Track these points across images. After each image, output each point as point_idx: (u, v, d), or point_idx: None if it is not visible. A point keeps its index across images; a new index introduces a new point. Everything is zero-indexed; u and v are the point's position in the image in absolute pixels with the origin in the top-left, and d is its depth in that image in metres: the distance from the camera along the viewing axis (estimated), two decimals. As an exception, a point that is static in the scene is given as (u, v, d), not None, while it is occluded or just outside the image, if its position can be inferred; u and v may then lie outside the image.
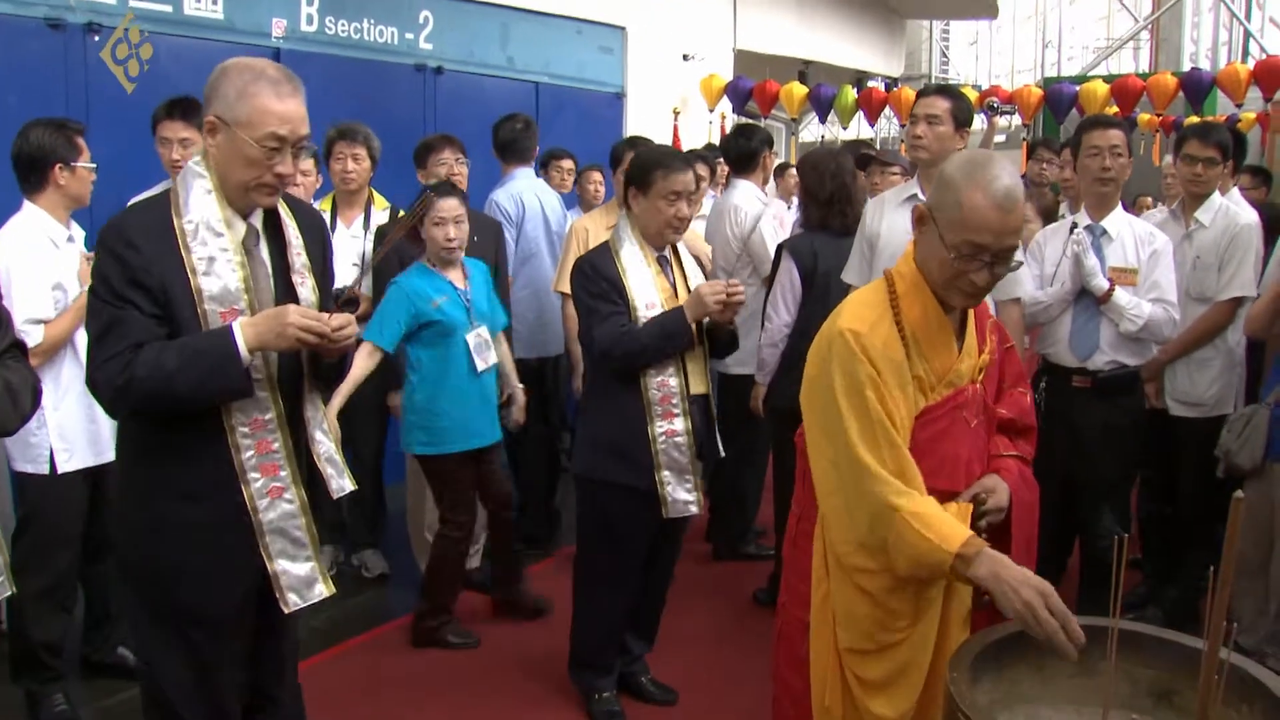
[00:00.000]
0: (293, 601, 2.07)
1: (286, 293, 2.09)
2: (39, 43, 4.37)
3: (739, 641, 3.80)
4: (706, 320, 3.04)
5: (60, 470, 3.06)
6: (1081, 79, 10.18)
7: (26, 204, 3.07)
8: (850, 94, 8.98)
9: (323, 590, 2.11)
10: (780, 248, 4.01)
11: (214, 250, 1.98)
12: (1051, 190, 5.46)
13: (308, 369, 2.15)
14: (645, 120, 7.73)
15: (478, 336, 3.56)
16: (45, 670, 3.14)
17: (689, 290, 3.05)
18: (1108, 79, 8.97)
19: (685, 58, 8.51)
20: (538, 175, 5.40)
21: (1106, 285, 3.38)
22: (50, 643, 3.13)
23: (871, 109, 9.09)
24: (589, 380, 3.28)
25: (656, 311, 2.97)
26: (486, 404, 3.65)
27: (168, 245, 1.95)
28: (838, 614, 1.97)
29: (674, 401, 2.99)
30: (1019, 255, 3.25)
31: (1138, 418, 3.56)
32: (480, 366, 3.56)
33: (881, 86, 10.41)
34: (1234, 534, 1.34)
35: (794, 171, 6.46)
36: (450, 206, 3.52)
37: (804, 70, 10.71)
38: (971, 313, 2.04)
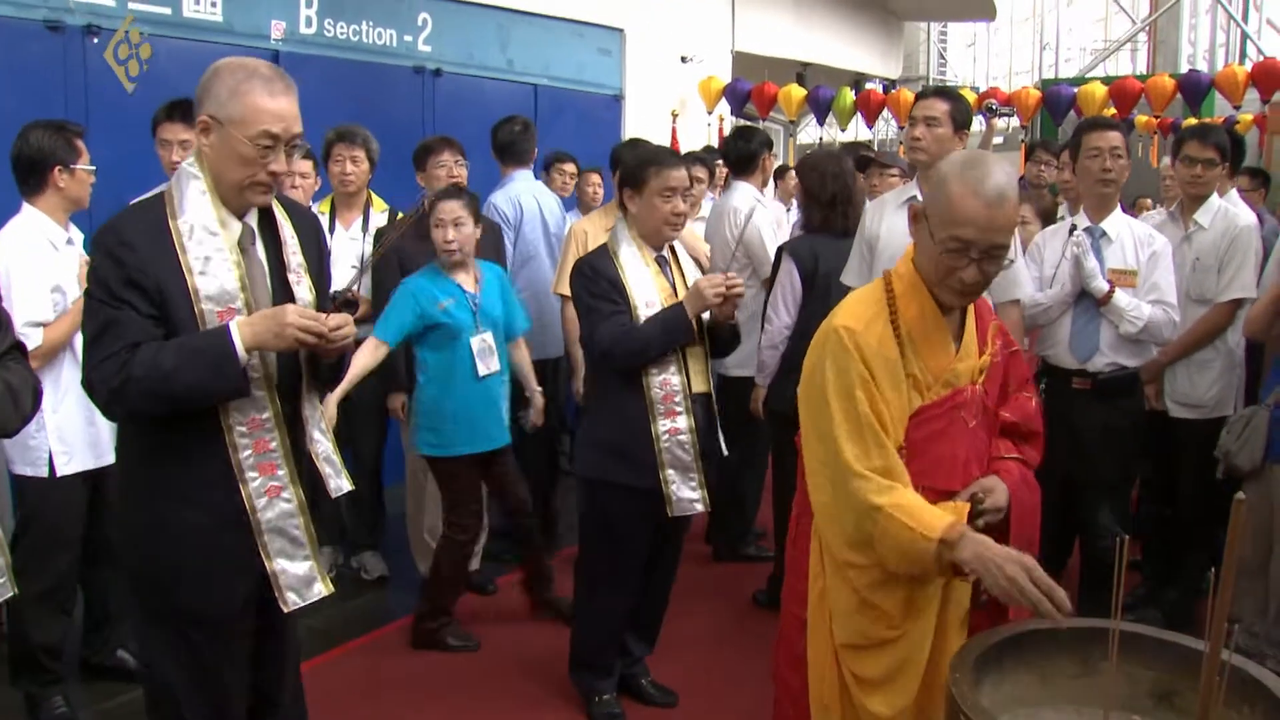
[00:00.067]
0: (291, 601, 2.07)
1: (283, 292, 2.10)
2: (38, 45, 4.37)
3: (738, 643, 3.80)
4: (707, 318, 3.04)
5: (60, 473, 3.06)
6: (1079, 81, 10.21)
7: (26, 206, 3.06)
8: (849, 96, 8.99)
9: (321, 589, 2.11)
10: (780, 250, 4.01)
11: (210, 250, 1.98)
12: (1050, 192, 5.46)
13: (306, 369, 2.15)
14: (644, 122, 7.74)
15: (482, 341, 3.56)
16: (45, 673, 3.14)
17: (688, 290, 3.05)
18: (1106, 81, 8.99)
19: (683, 60, 8.52)
20: (539, 178, 5.40)
21: (1106, 287, 3.39)
22: (50, 645, 3.13)
23: (870, 111, 9.11)
24: (591, 382, 3.28)
25: (656, 311, 2.97)
26: (492, 408, 3.63)
27: (164, 246, 1.96)
28: (833, 610, 1.99)
29: (676, 400, 2.99)
30: (1018, 256, 3.29)
31: (1137, 419, 3.56)
32: (482, 371, 3.55)
33: (879, 88, 10.42)
34: (1236, 536, 1.34)
35: (793, 174, 6.46)
36: (449, 209, 3.51)
37: (802, 72, 10.71)
38: (972, 314, 2.04)
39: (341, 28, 5.72)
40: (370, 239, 4.19)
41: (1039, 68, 18.66)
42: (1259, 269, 3.72)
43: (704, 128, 8.74)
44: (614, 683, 3.29)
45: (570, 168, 5.93)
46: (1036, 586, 1.67)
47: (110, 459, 3.05)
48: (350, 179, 4.19)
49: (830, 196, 3.88)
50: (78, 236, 3.15)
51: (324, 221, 4.21)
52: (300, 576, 2.08)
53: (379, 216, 4.31)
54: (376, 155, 4.27)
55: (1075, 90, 8.47)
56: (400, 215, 4.31)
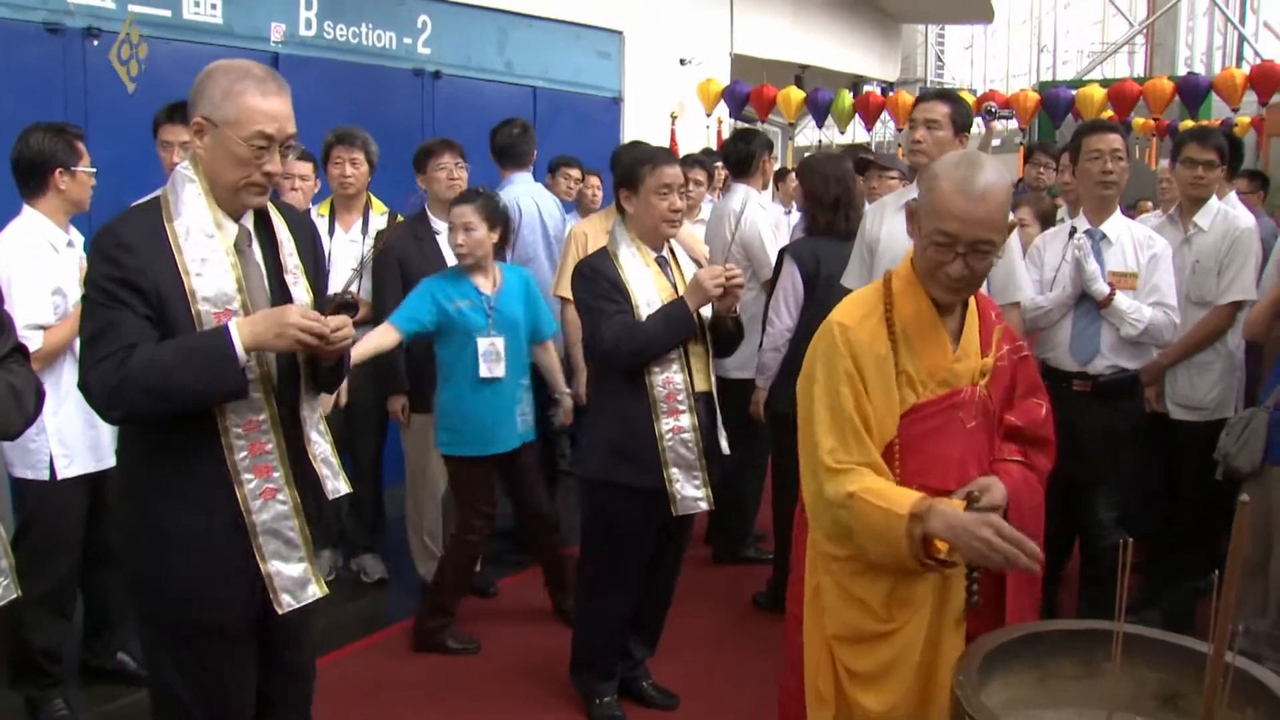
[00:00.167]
0: (286, 602, 2.07)
1: (280, 293, 2.10)
2: (38, 47, 4.37)
3: (739, 645, 3.80)
4: (708, 315, 3.05)
5: (60, 476, 3.06)
6: (1077, 83, 10.23)
7: (26, 209, 3.06)
8: (847, 98, 9.01)
9: (315, 591, 2.11)
10: (782, 252, 4.01)
11: (206, 252, 1.98)
12: (1049, 194, 5.47)
13: (305, 372, 2.15)
14: (643, 125, 7.75)
15: (490, 344, 3.54)
16: (44, 676, 3.13)
17: (688, 284, 3.06)
18: (1104, 83, 9.01)
19: (682, 62, 8.53)
20: (542, 182, 5.40)
21: (1107, 290, 3.39)
22: (49, 649, 3.13)
23: (868, 113, 9.13)
24: (593, 383, 3.27)
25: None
26: (504, 412, 3.60)
27: (161, 248, 1.96)
28: (825, 603, 2.02)
29: (679, 398, 3.00)
30: (1018, 258, 3.29)
31: (1138, 421, 3.56)
32: (484, 373, 3.54)
33: (878, 90, 10.43)
34: (1239, 537, 1.34)
35: (793, 176, 6.46)
36: (460, 213, 3.52)
37: (800, 74, 10.73)
38: (975, 315, 2.05)
39: (341, 30, 5.72)
40: (370, 241, 4.19)
41: (1036, 70, 18.70)
42: (1258, 271, 3.73)
43: (703, 130, 8.75)
44: (615, 685, 3.28)
45: (575, 172, 5.93)
46: (1008, 541, 1.71)
47: (110, 462, 3.05)
48: (350, 181, 4.19)
49: (833, 199, 3.89)
50: (78, 239, 3.15)
51: (324, 224, 4.21)
52: (295, 578, 2.08)
53: (379, 219, 4.31)
54: (376, 157, 4.27)
55: (1074, 93, 8.49)
56: (400, 218, 4.31)
